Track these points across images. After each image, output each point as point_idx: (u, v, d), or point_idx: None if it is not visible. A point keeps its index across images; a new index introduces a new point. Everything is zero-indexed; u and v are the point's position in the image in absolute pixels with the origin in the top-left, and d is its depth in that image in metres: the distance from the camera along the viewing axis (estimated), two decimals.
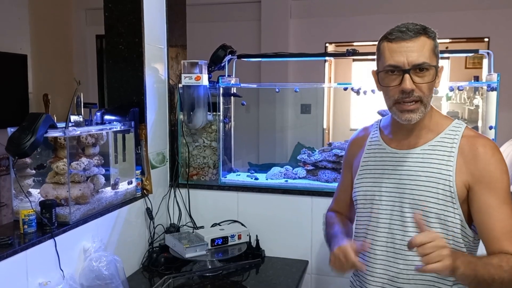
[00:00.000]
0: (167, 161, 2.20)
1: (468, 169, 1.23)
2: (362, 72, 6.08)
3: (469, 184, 1.23)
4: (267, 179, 2.20)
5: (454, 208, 1.23)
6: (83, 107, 1.81)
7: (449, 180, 1.23)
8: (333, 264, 1.26)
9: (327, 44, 4.83)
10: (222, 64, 2.18)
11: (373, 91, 1.94)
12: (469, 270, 1.10)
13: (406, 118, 1.25)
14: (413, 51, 1.21)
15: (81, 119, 1.76)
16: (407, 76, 1.21)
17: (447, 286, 1.26)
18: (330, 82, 5.31)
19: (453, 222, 1.24)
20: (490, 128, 1.87)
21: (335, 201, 1.58)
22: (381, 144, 1.38)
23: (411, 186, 1.27)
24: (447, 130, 1.29)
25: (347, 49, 2.10)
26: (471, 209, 1.24)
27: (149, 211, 1.99)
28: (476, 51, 1.94)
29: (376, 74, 1.30)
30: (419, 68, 1.21)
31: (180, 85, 2.14)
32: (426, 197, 1.24)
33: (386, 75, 1.25)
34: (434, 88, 1.27)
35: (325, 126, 4.82)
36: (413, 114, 1.24)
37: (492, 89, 1.85)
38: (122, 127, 1.86)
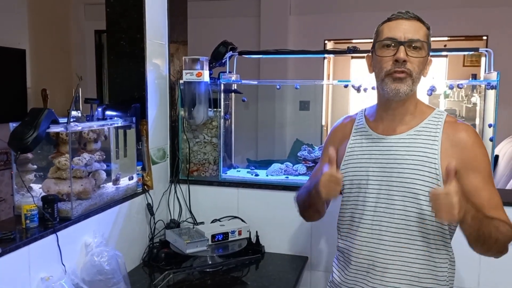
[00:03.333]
0: (167, 157, 2.20)
1: (453, 153, 1.29)
2: (361, 69, 6.08)
3: (456, 167, 1.27)
4: (267, 176, 2.21)
5: None
6: (85, 103, 1.81)
7: (434, 163, 1.29)
8: (323, 187, 1.31)
9: (326, 41, 4.83)
10: (223, 61, 2.18)
11: (373, 88, 1.94)
12: (475, 222, 1.19)
13: (395, 87, 1.28)
14: (410, 29, 1.29)
15: (80, 115, 1.76)
16: (402, 47, 1.27)
17: (425, 271, 1.31)
18: (328, 79, 5.31)
19: None
20: (490, 126, 1.89)
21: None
22: (367, 130, 1.42)
23: (399, 170, 1.31)
24: (430, 117, 1.35)
25: (348, 47, 2.11)
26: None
27: (149, 207, 1.99)
28: (476, 49, 1.95)
29: (371, 52, 1.37)
30: (414, 46, 1.28)
31: (181, 81, 2.14)
32: (414, 179, 1.29)
33: (383, 49, 1.31)
34: (422, 77, 1.34)
35: (323, 123, 4.83)
36: (402, 84, 1.28)
37: (492, 87, 1.86)
38: (124, 122, 1.86)
